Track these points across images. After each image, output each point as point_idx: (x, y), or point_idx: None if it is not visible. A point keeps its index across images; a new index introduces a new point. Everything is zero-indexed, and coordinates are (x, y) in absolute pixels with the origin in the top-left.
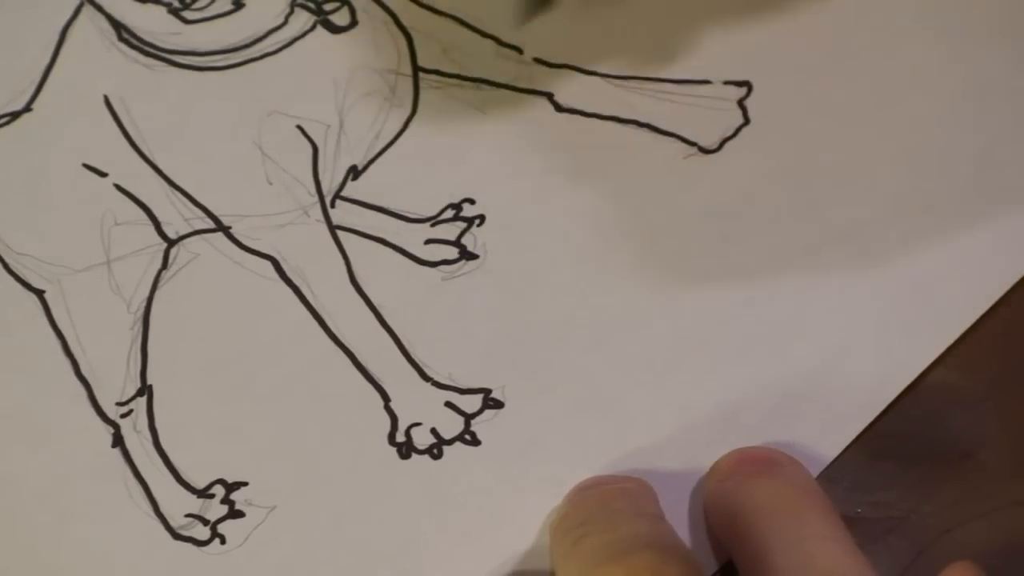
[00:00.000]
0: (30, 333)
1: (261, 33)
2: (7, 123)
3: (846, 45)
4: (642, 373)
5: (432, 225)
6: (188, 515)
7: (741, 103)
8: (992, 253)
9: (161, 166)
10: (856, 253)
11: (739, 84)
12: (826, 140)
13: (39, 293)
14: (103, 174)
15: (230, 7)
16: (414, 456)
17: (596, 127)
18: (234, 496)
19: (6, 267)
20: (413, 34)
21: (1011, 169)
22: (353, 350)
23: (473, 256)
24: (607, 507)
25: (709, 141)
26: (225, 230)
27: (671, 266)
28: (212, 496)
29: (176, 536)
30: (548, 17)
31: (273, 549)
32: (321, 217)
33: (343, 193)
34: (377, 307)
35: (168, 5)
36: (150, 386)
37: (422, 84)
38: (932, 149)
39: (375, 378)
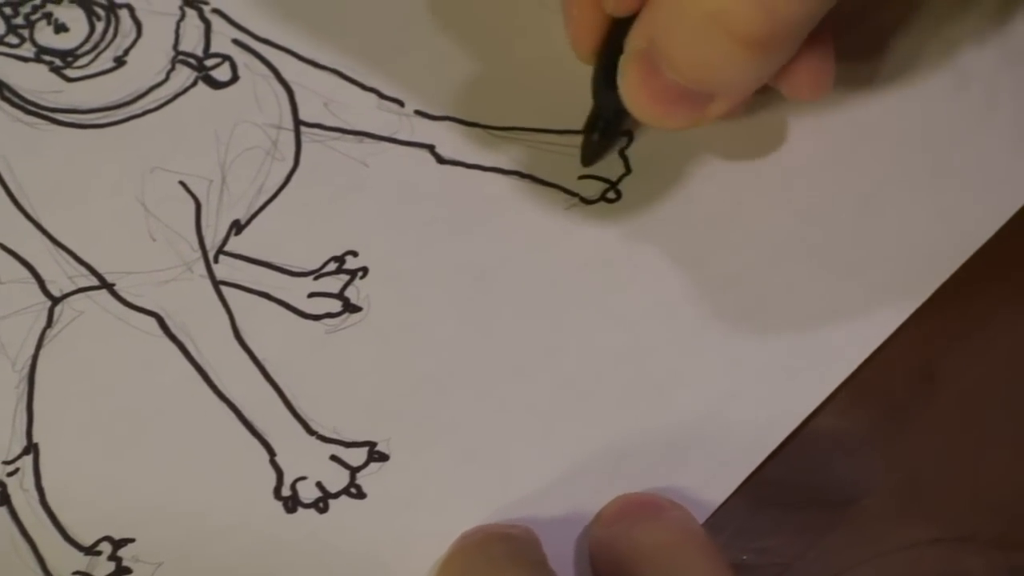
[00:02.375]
0: None
1: (143, 90)
2: None
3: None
4: (527, 422)
5: (315, 278)
6: (75, 572)
7: (622, 153)
8: (873, 299)
9: (44, 224)
10: (738, 300)
11: (620, 134)
12: (707, 189)
13: None
14: None
15: (111, 65)
16: (300, 510)
17: (478, 178)
18: (121, 553)
19: None
20: (294, 88)
21: (892, 215)
22: (238, 405)
23: (356, 309)
24: (487, 554)
25: (591, 192)
26: (109, 287)
27: (554, 315)
28: (99, 553)
29: None
30: (429, 68)
31: None
32: (205, 273)
33: (226, 248)
34: (261, 361)
35: (50, 63)
36: (36, 444)
37: (304, 138)
38: (814, 195)
39: (260, 432)
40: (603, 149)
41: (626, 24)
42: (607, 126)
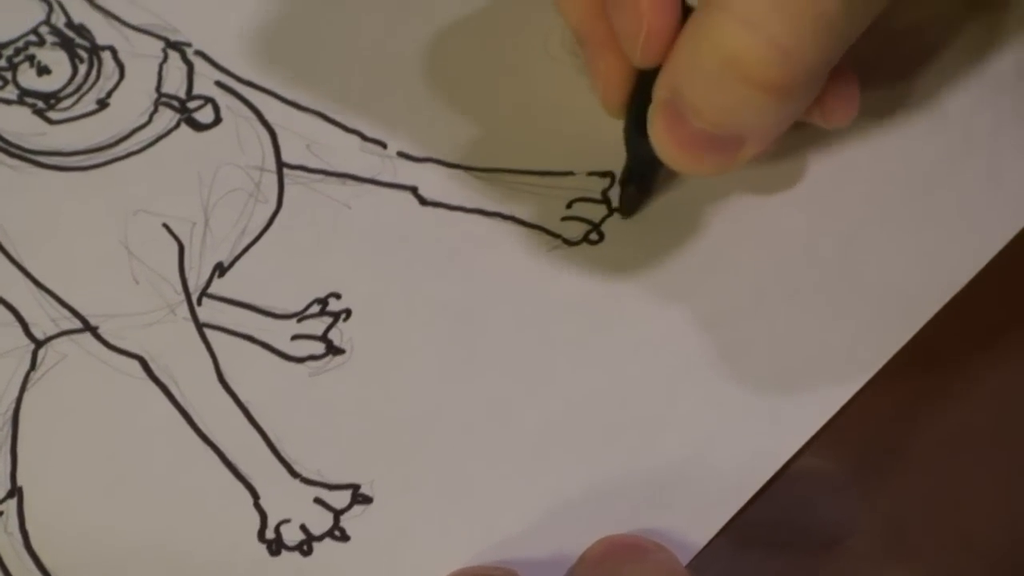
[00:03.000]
0: None
1: (126, 132)
2: None
3: None
4: (510, 463)
5: (298, 321)
6: None
7: (605, 194)
8: (855, 341)
9: (28, 267)
10: (721, 341)
11: (602, 175)
12: (689, 231)
13: None
14: None
15: (94, 107)
16: (284, 553)
17: (461, 220)
18: None
19: None
20: (277, 130)
21: (874, 256)
22: (222, 448)
23: (340, 351)
24: None
25: (573, 233)
26: (92, 330)
27: (537, 356)
28: None
29: None
30: (412, 110)
31: None
32: (188, 315)
33: (210, 290)
34: (245, 404)
35: (32, 106)
36: (20, 488)
37: (287, 180)
38: (794, 237)
39: (244, 475)
40: (640, 200)
41: (652, 74)
42: (643, 176)
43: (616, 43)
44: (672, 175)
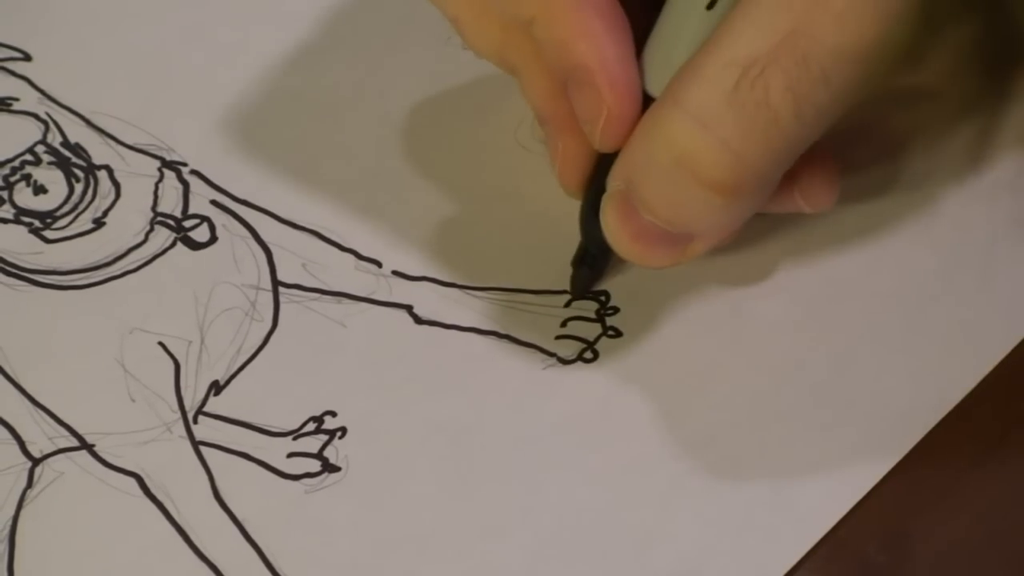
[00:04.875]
0: None
1: (122, 251)
2: None
3: (703, 255)
4: None
5: (294, 438)
6: None
7: (599, 314)
8: (848, 458)
9: (24, 384)
10: (715, 459)
11: (596, 295)
12: (684, 349)
13: None
14: None
15: (90, 226)
16: None
17: (456, 338)
18: None
19: None
20: (273, 249)
21: (866, 373)
22: (218, 565)
23: (336, 468)
24: None
25: (568, 352)
26: (89, 448)
27: (532, 474)
28: None
29: None
30: (407, 228)
31: None
32: (184, 433)
33: (205, 408)
34: (241, 521)
35: (29, 225)
36: None
37: (282, 298)
38: (788, 354)
39: None
40: (591, 282)
41: (611, 159)
42: (595, 260)
43: (576, 125)
44: (623, 260)
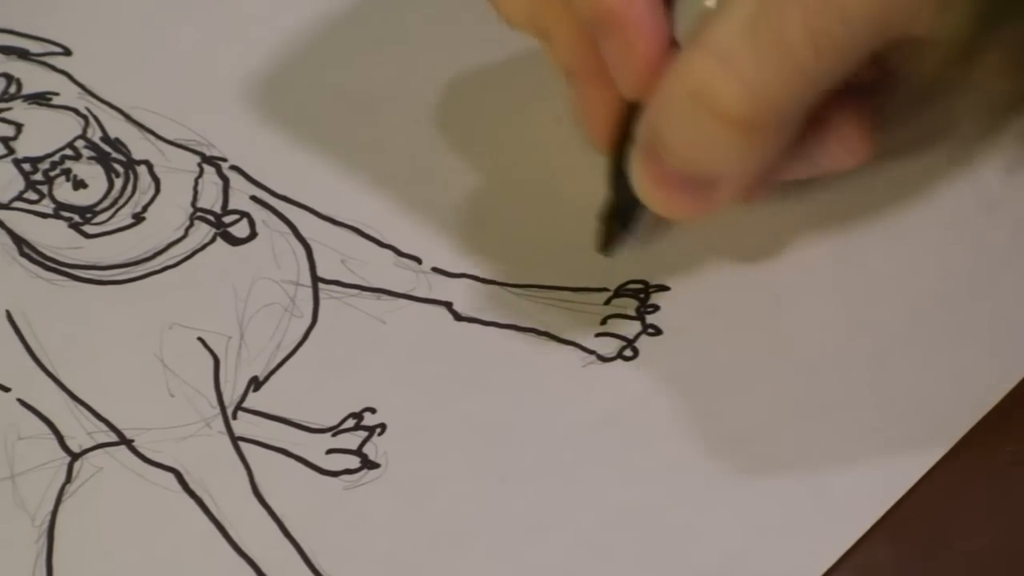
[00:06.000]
0: None
1: (161, 246)
2: None
3: (743, 251)
4: None
5: (333, 435)
6: None
7: (639, 311)
8: (887, 457)
9: (63, 380)
10: (754, 457)
11: (636, 292)
12: (723, 347)
13: None
14: (6, 389)
15: (130, 221)
16: None
17: (495, 335)
18: None
19: None
20: (312, 245)
21: (906, 372)
22: (257, 561)
23: (375, 465)
24: None
25: (607, 349)
26: (128, 443)
27: (570, 472)
28: None
29: None
30: (447, 225)
31: None
32: (223, 429)
33: (245, 404)
34: (280, 518)
35: (69, 220)
36: None
37: (322, 294)
38: (827, 353)
39: None
40: (618, 238)
41: (639, 111)
42: (623, 215)
43: (605, 77)
44: (655, 217)
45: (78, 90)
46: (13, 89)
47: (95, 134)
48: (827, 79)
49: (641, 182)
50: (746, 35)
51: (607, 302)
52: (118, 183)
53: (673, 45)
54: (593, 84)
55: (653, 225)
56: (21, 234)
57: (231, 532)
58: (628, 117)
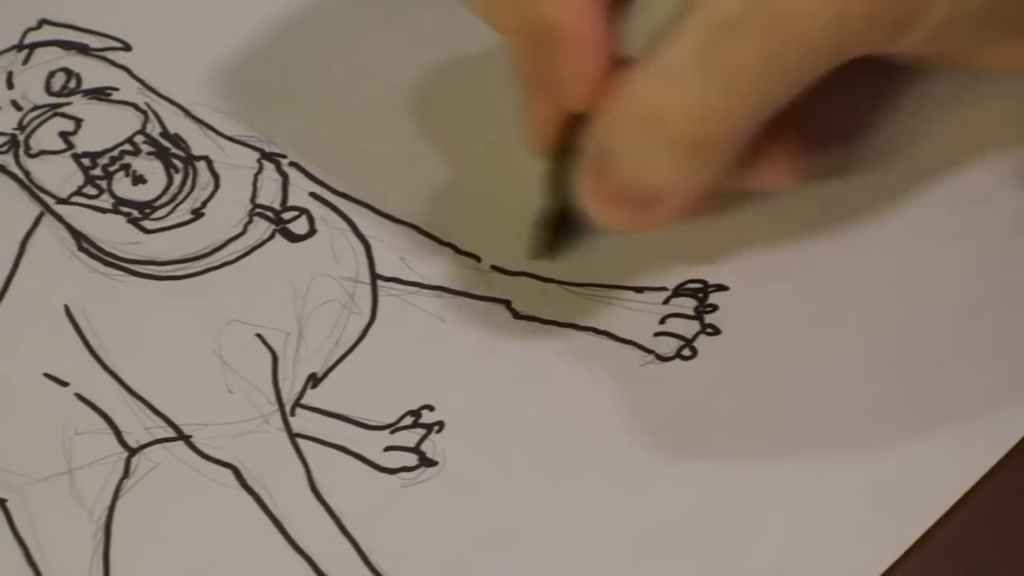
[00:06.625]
0: None
1: (220, 242)
2: None
3: (806, 253)
4: None
5: (391, 432)
6: None
7: (698, 311)
8: (948, 458)
9: (121, 375)
10: (812, 459)
11: (695, 292)
12: (783, 347)
13: (1, 502)
14: (64, 383)
15: (189, 217)
16: None
17: (553, 334)
18: None
19: None
20: (372, 242)
21: (963, 375)
22: (314, 558)
23: (432, 463)
24: None
25: (666, 349)
26: (186, 439)
27: (628, 474)
28: None
29: None
30: (506, 224)
31: None
32: (281, 425)
33: (303, 401)
34: (337, 514)
35: (127, 215)
36: None
37: (381, 292)
38: (884, 354)
39: None
40: (554, 245)
41: (583, 121)
42: (559, 222)
43: (550, 86)
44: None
45: (138, 85)
46: (73, 84)
47: (154, 129)
48: (776, 103)
49: (586, 195)
50: (698, 58)
51: (666, 301)
52: (177, 179)
53: (622, 60)
54: (539, 92)
55: (589, 231)
56: (80, 229)
57: (288, 529)
58: (571, 127)
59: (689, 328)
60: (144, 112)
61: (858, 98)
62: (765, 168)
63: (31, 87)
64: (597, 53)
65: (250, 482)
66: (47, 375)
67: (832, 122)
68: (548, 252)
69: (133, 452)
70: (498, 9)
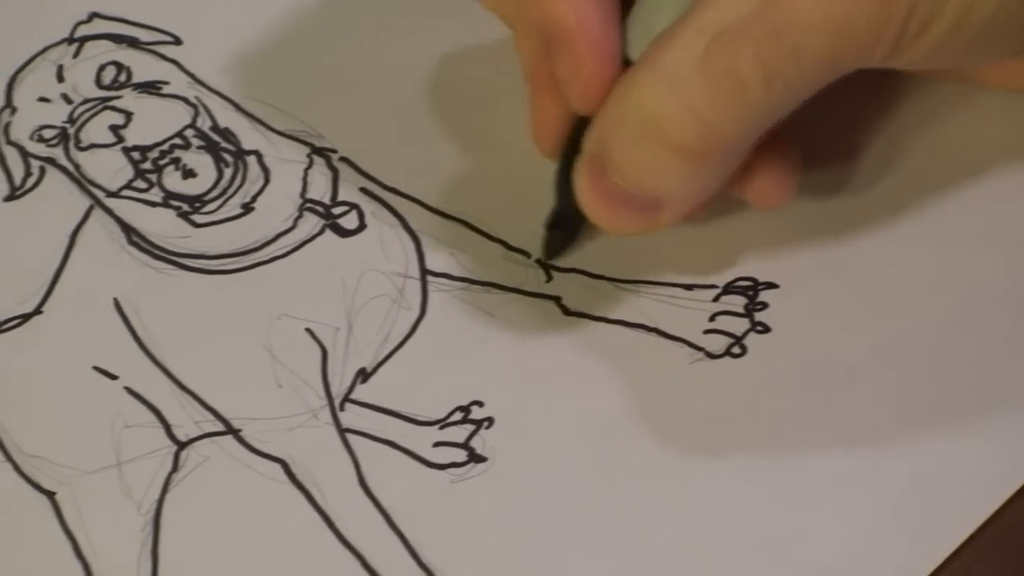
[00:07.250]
0: (41, 535)
1: (270, 236)
2: (18, 325)
3: (855, 251)
4: None
5: (441, 428)
6: None
7: (748, 308)
8: (996, 457)
9: (171, 369)
10: (861, 457)
11: (745, 290)
12: (832, 346)
13: (50, 495)
14: (113, 377)
15: (239, 211)
16: None
17: (603, 331)
18: None
19: (17, 469)
20: (421, 237)
21: (1012, 375)
22: (363, 553)
23: (482, 459)
24: None
25: (715, 346)
26: (235, 433)
27: (677, 471)
28: None
29: None
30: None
31: None
32: (331, 420)
33: (352, 396)
34: (386, 510)
35: (177, 209)
36: None
37: (430, 287)
38: (932, 356)
39: None
40: (563, 246)
41: (588, 123)
42: (568, 224)
43: (556, 87)
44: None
45: (188, 79)
46: (123, 77)
47: (205, 123)
48: (777, 113)
49: (584, 195)
50: (698, 66)
51: (716, 299)
52: (227, 173)
53: (624, 63)
54: (544, 92)
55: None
56: (130, 222)
57: (337, 523)
58: (577, 128)
59: (739, 326)
60: (194, 106)
61: (860, 108)
62: (760, 185)
63: (81, 80)
64: (604, 55)
65: (299, 477)
66: (97, 368)
67: (832, 133)
68: (557, 253)
69: (182, 446)
70: (504, 5)
